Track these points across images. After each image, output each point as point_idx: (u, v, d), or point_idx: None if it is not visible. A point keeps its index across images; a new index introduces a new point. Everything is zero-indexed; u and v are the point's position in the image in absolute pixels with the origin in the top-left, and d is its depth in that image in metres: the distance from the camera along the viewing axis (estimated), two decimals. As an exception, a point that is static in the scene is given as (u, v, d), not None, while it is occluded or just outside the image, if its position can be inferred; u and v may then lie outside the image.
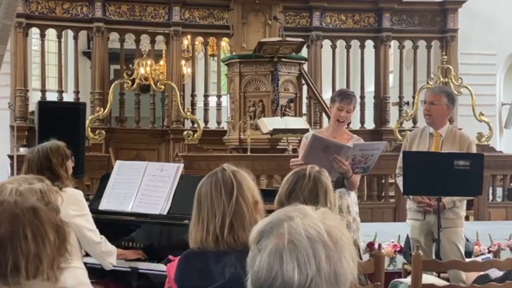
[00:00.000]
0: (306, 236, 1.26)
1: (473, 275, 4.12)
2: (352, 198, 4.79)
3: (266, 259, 1.27)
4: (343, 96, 4.80)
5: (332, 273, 1.24)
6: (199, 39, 11.95)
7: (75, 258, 3.74)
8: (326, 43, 11.85)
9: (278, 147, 9.27)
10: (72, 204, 3.78)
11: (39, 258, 1.62)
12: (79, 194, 3.93)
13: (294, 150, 8.97)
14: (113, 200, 4.57)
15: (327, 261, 1.24)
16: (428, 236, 4.98)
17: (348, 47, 11.96)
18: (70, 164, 3.98)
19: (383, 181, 9.15)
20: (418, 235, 4.97)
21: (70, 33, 11.69)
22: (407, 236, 6.03)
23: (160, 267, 4.23)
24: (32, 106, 10.29)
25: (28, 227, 1.62)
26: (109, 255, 3.97)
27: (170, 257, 2.49)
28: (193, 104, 11.48)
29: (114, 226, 4.43)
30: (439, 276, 4.70)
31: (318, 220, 1.29)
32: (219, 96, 11.59)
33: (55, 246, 1.68)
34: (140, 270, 4.31)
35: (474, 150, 5.08)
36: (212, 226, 2.45)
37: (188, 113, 10.30)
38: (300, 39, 10.01)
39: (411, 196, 5.00)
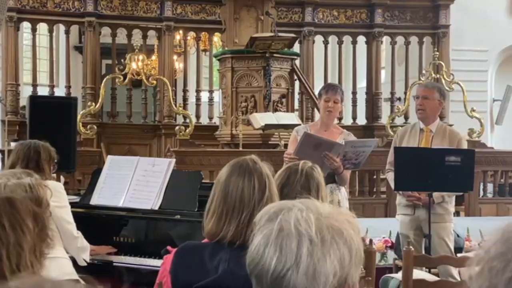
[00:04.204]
0: (295, 227, 1.27)
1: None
2: (342, 194, 4.83)
3: (257, 241, 1.30)
4: (328, 88, 4.94)
5: (311, 268, 1.24)
6: (191, 34, 11.93)
7: (58, 247, 3.75)
8: (318, 38, 11.85)
9: (270, 142, 9.27)
10: (53, 196, 3.79)
11: (20, 245, 1.65)
12: (59, 186, 4.04)
13: (286, 146, 8.96)
14: (104, 195, 4.57)
15: (309, 255, 1.25)
16: (417, 231, 5.00)
17: (340, 43, 11.97)
18: (51, 167, 4.05)
19: (375, 176, 9.17)
20: (407, 230, 4.99)
21: (62, 27, 11.64)
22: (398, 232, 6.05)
23: (149, 262, 4.23)
24: (23, 101, 10.23)
25: (4, 217, 1.65)
26: (84, 251, 4.02)
27: (169, 248, 2.45)
28: (185, 99, 11.46)
29: (105, 221, 4.42)
30: (429, 272, 4.72)
31: (317, 215, 1.29)
32: (211, 92, 11.58)
33: (34, 233, 1.71)
34: (132, 265, 4.31)
35: (464, 146, 5.10)
36: (235, 222, 2.29)
37: (180, 108, 10.27)
38: (292, 35, 10.00)
39: (400, 191, 5.01)
